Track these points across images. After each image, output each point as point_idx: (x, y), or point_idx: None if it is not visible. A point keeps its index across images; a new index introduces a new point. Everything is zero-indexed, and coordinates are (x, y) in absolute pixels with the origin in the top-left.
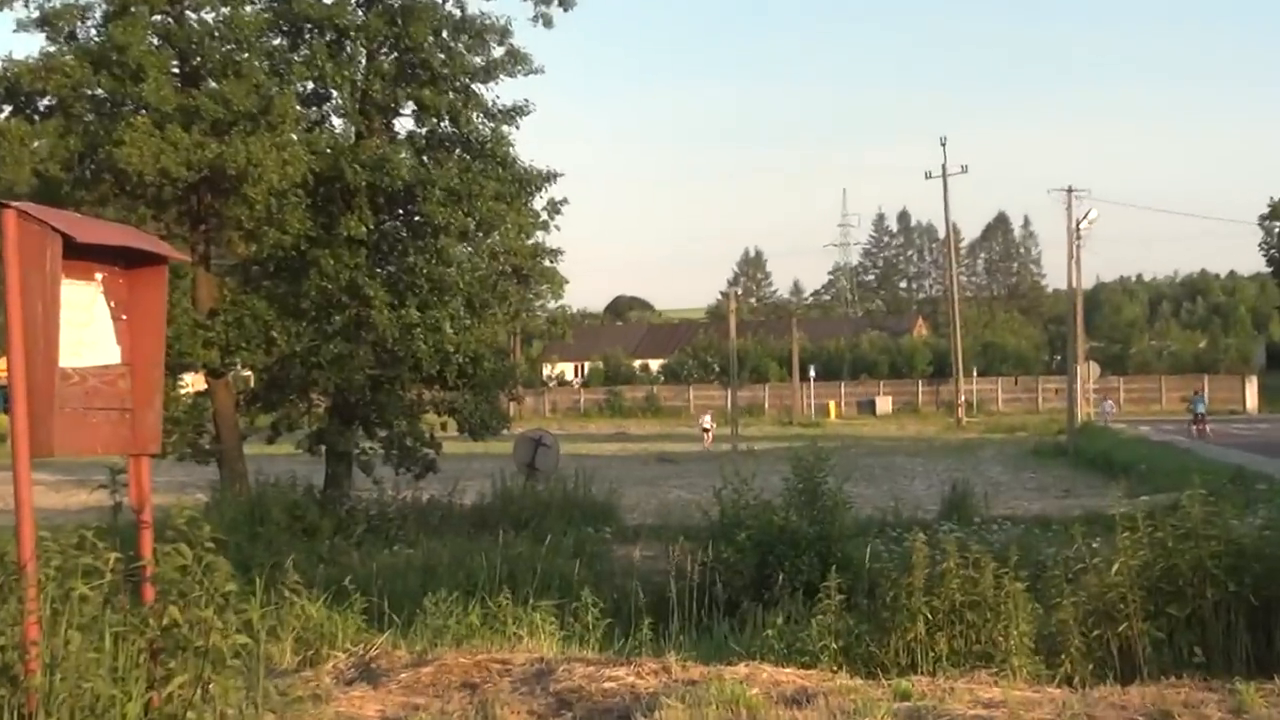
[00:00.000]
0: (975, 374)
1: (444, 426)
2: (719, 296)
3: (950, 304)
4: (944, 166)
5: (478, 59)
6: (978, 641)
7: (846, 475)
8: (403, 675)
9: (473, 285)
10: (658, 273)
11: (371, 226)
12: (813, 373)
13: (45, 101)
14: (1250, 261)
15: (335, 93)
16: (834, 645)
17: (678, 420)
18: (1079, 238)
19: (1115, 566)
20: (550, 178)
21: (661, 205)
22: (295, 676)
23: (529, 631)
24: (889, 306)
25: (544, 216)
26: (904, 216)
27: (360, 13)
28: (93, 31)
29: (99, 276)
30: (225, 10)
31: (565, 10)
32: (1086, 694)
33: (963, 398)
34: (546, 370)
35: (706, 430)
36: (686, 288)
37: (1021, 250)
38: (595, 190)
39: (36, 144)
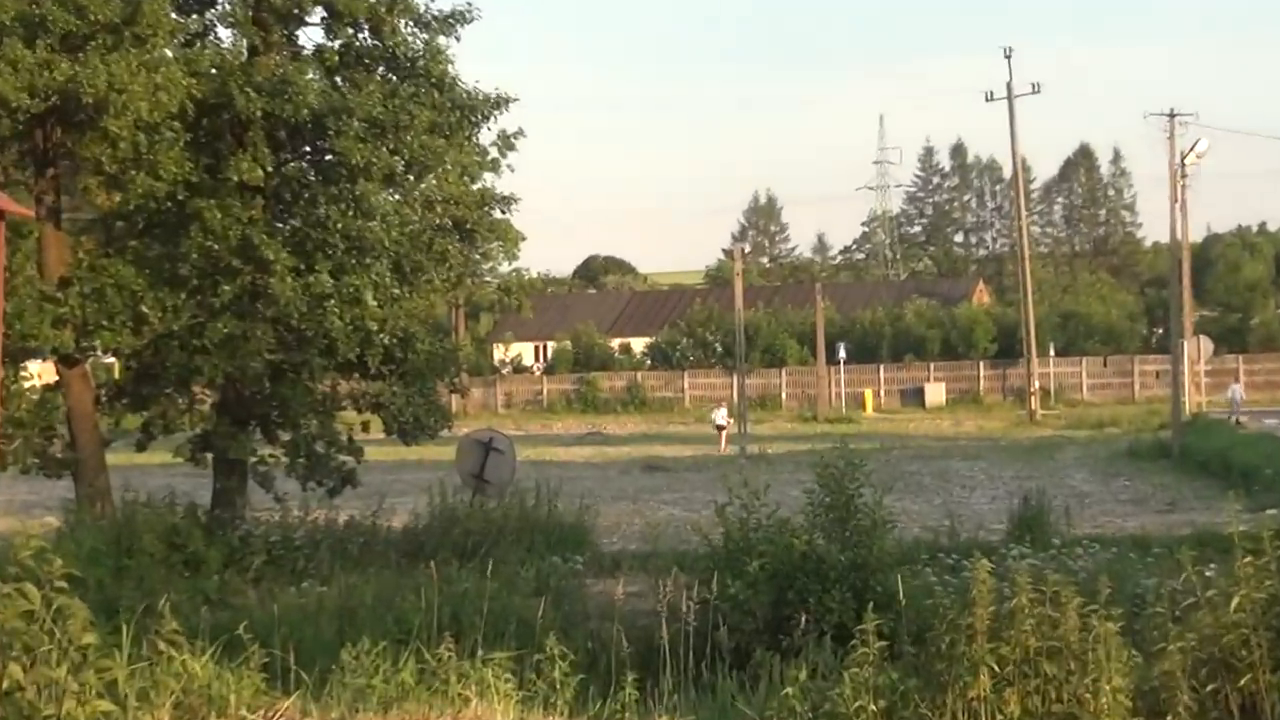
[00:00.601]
0: (1052, 353)
1: (366, 427)
2: (721, 256)
3: (1019, 263)
4: (1009, 86)
5: None
6: (1059, 699)
7: (887, 486)
8: None
9: (401, 243)
10: (642, 227)
11: (270, 169)
12: (843, 353)
13: None
14: None
15: None
16: (873, 706)
17: (669, 416)
18: (1184, 177)
19: (1235, 601)
20: (501, 104)
21: (647, 141)
22: None
23: (478, 692)
24: (940, 267)
25: (493, 154)
26: (959, 151)
27: None
28: None
29: None
30: None
31: None
32: None
33: (1036, 384)
34: (498, 353)
35: (721, 428)
36: (679, 246)
37: (1110, 193)
38: (560, 122)
39: None
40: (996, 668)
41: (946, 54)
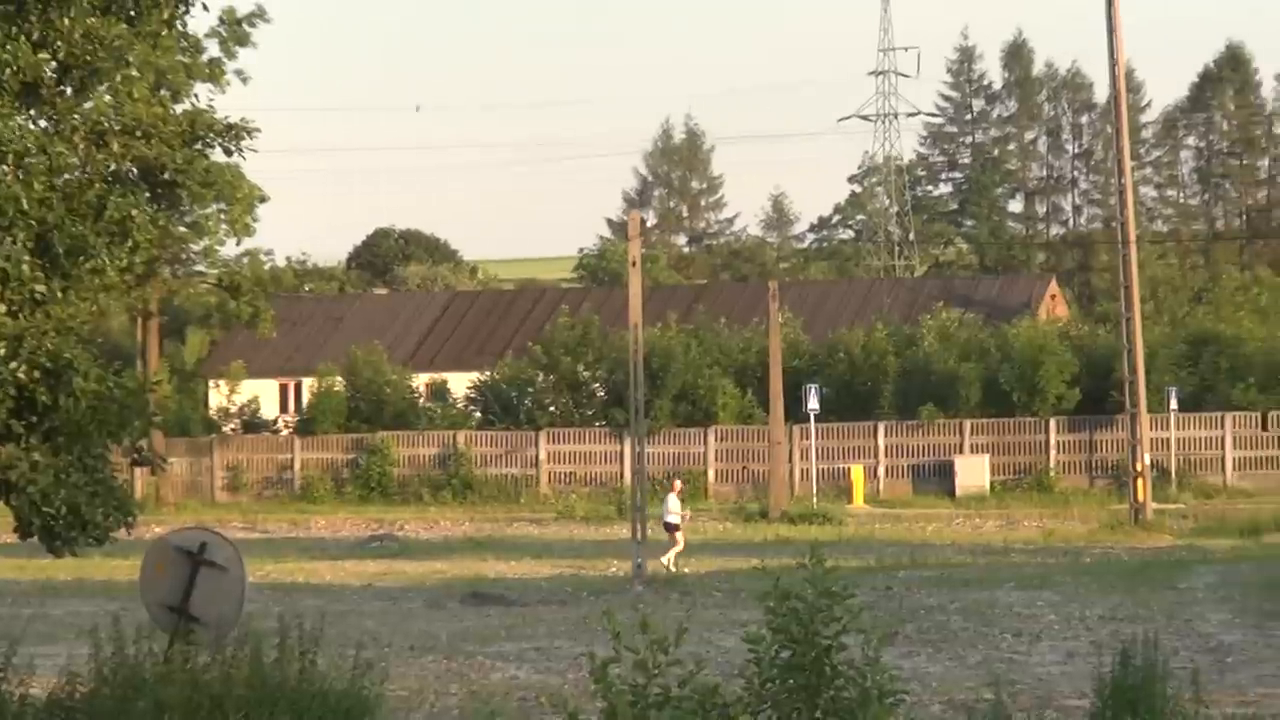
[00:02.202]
0: (1174, 405)
1: None
2: (604, 234)
3: (1120, 251)
4: None
5: None
6: None
7: (889, 632)
8: None
9: (50, 205)
10: (468, 183)
11: None
12: (814, 402)
13: None
14: None
15: None
16: None
17: (510, 508)
18: None
19: None
20: None
21: (476, 39)
22: None
23: None
24: (983, 256)
25: (213, 52)
26: (1017, 54)
27: None
28: None
29: None
30: None
31: None
32: None
33: (1147, 458)
34: (218, 397)
35: (673, 528)
36: (532, 215)
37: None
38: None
39: None
40: None
41: None
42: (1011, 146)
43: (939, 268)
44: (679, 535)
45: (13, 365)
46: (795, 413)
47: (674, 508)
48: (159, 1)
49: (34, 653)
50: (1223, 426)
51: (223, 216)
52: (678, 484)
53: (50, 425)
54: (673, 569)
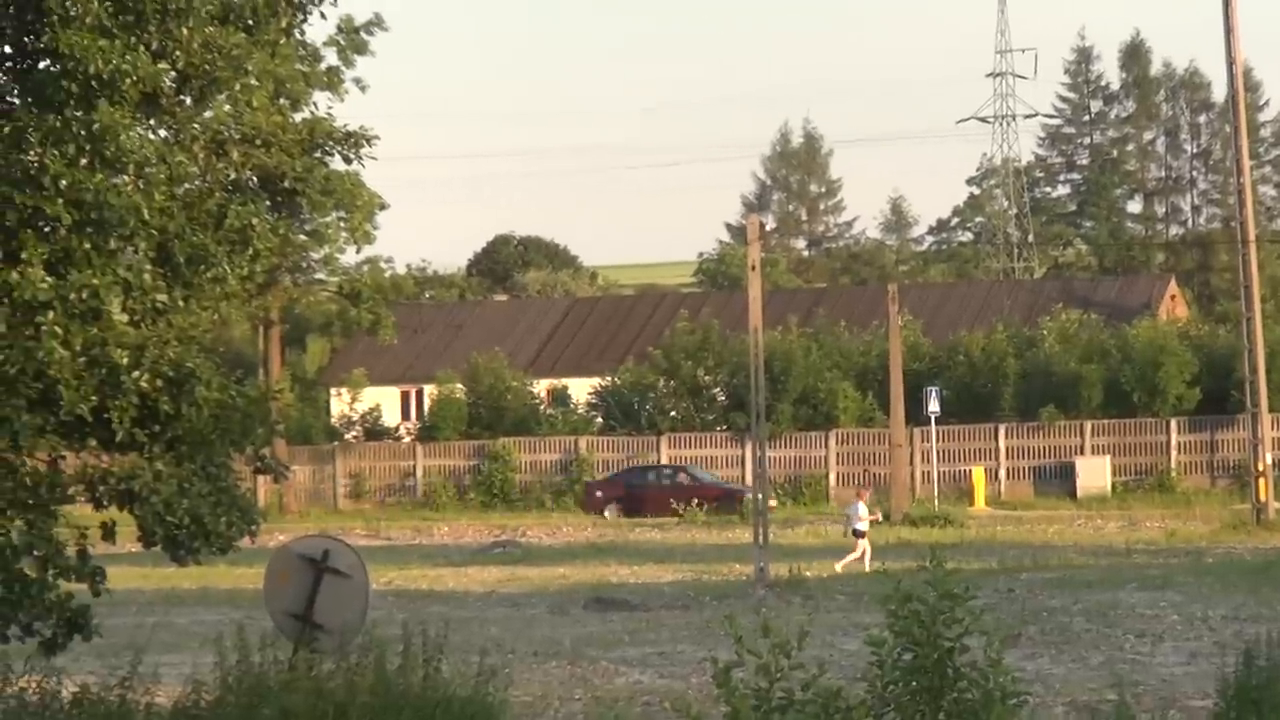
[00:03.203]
0: None
1: (109, 533)
2: (723, 238)
3: (1240, 250)
4: None
5: None
6: None
7: (1012, 633)
8: None
9: (171, 215)
10: (588, 191)
11: None
12: (935, 405)
13: None
14: None
15: None
16: None
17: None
18: None
19: None
20: None
21: (595, 49)
22: None
23: None
24: (1102, 257)
25: (331, 60)
26: (1135, 55)
27: None
28: None
29: None
30: None
31: None
32: None
33: (1269, 458)
34: (340, 405)
35: (860, 534)
36: (650, 221)
37: None
38: (449, 13)
39: None
40: None
41: None
42: (1130, 147)
43: (1058, 269)
44: (862, 543)
45: (135, 374)
46: (916, 415)
47: (861, 514)
48: (277, 10)
49: (159, 661)
50: None
51: (342, 224)
52: (865, 492)
53: (173, 434)
54: (840, 569)
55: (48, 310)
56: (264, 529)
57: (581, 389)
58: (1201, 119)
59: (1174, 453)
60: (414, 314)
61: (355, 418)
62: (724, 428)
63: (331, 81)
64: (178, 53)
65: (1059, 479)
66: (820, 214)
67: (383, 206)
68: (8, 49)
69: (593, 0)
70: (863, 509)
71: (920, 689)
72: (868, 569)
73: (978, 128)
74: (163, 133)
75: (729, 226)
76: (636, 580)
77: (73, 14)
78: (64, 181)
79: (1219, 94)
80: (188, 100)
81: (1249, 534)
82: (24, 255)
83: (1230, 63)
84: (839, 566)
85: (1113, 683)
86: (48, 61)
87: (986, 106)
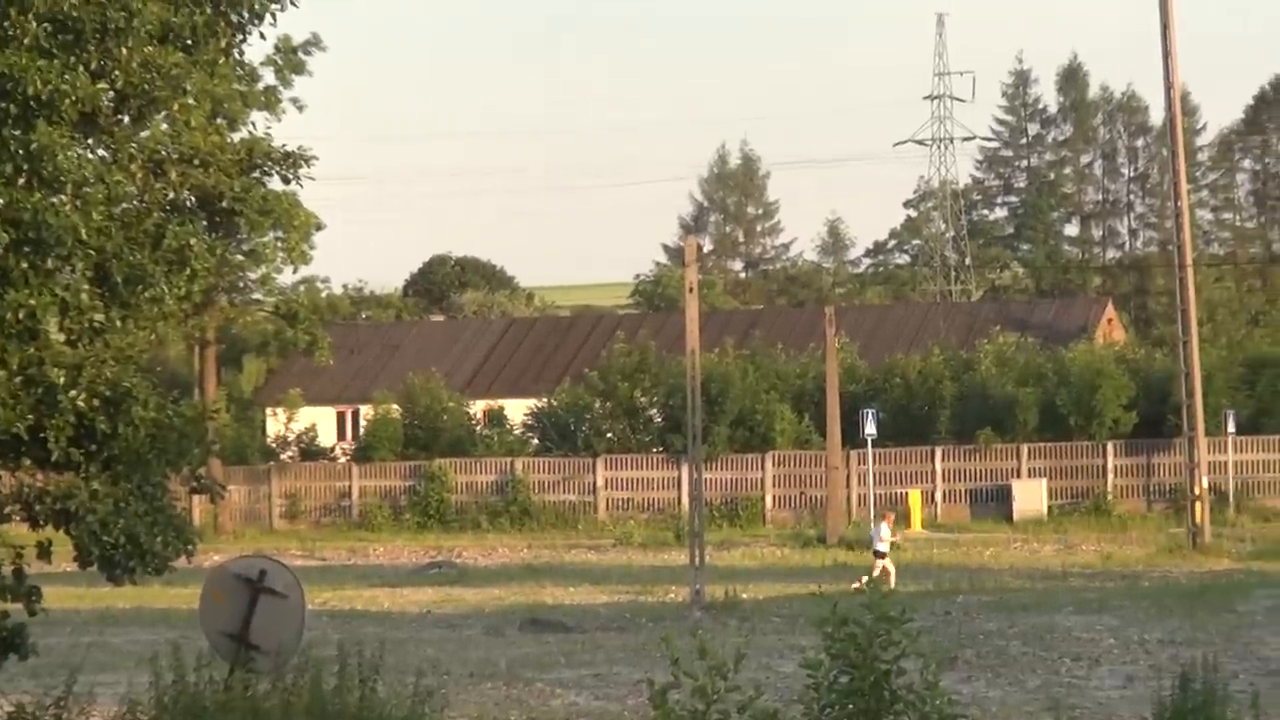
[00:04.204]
0: (1232, 428)
1: (45, 552)
2: (660, 260)
3: (1177, 274)
4: None
5: None
6: None
7: (948, 656)
8: None
9: (109, 234)
10: (524, 211)
11: None
12: (872, 427)
13: None
14: None
15: None
16: None
17: (568, 534)
18: None
19: None
20: None
21: (533, 67)
22: None
23: None
24: (1039, 280)
25: (269, 80)
26: (1073, 78)
27: None
28: None
29: None
30: None
31: None
32: None
33: (1205, 481)
34: (275, 424)
35: (880, 554)
36: (587, 242)
37: None
38: (386, 31)
39: None
40: None
41: None
42: (1067, 170)
43: (995, 292)
44: (882, 563)
45: (72, 394)
46: (852, 437)
47: (885, 535)
48: (216, 30)
49: (95, 681)
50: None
51: (280, 244)
52: (890, 515)
53: (109, 454)
54: (892, 584)
55: None
56: (200, 549)
57: (518, 410)
58: (1139, 142)
59: (1110, 476)
60: (350, 334)
61: (291, 438)
62: (660, 449)
63: (269, 101)
64: (116, 72)
65: (995, 502)
66: (757, 236)
67: (319, 227)
68: None
69: (531, 21)
70: (885, 530)
71: (857, 712)
72: (891, 584)
73: (915, 150)
74: (101, 152)
75: (666, 248)
76: (572, 602)
77: (11, 34)
78: (1, 201)
79: (1156, 117)
80: (126, 120)
81: (1185, 558)
82: None
83: (1168, 87)
84: (854, 587)
85: (1049, 706)
86: None
87: (924, 129)
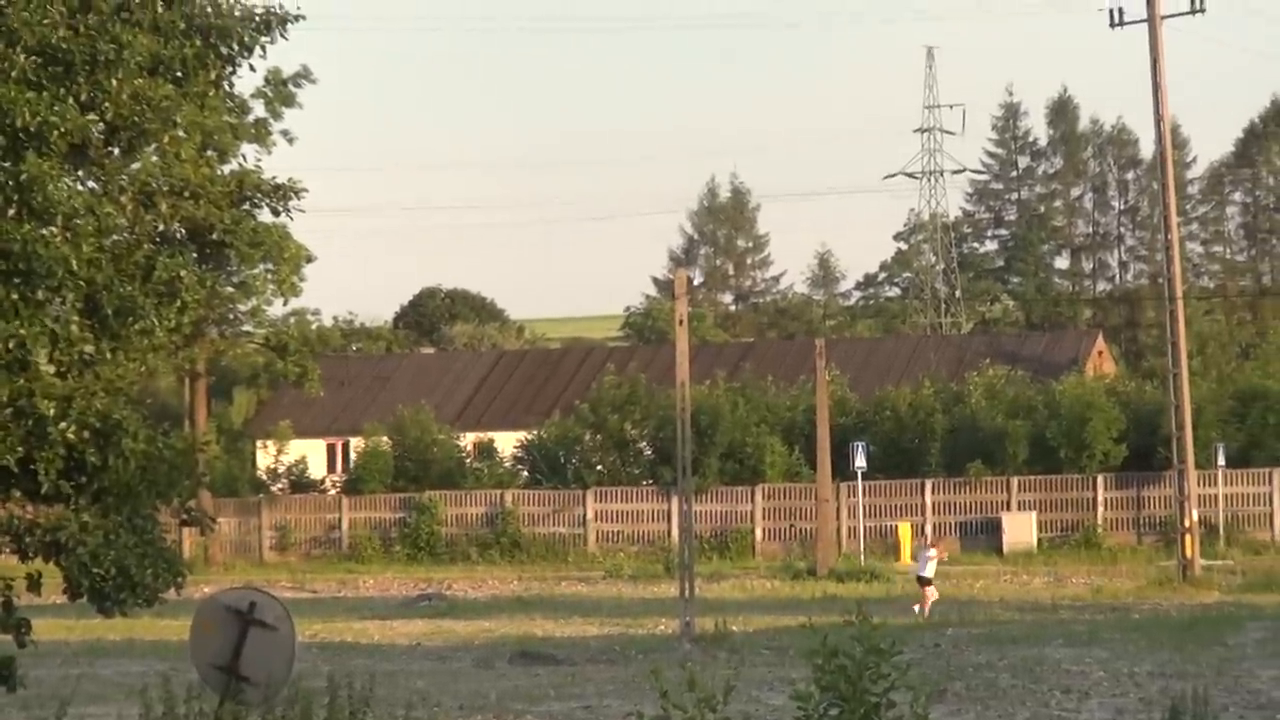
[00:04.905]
0: (1222, 461)
1: (35, 584)
2: (649, 292)
3: (1166, 306)
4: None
5: None
6: None
7: (937, 689)
8: None
9: (99, 266)
10: (514, 244)
11: None
12: (862, 460)
13: None
14: None
15: None
16: None
17: (558, 567)
18: None
19: None
20: (273, 26)
21: (523, 99)
22: None
23: None
24: (1029, 313)
25: (259, 112)
26: (1063, 111)
27: None
28: None
29: None
30: None
31: None
32: None
33: (1195, 514)
34: (265, 456)
35: (926, 581)
36: (578, 275)
37: None
38: (377, 61)
39: None
40: None
41: None
42: (1057, 203)
43: (985, 325)
44: (930, 590)
45: (62, 426)
46: (842, 470)
47: (927, 564)
48: (206, 63)
49: (84, 713)
50: (1270, 483)
51: (270, 276)
52: (940, 543)
53: (99, 486)
54: (925, 616)
55: None
56: (190, 581)
57: (508, 442)
58: (1129, 175)
59: (1100, 509)
60: (340, 366)
61: (281, 470)
62: (650, 482)
63: (259, 134)
64: (106, 104)
65: (985, 534)
66: (747, 269)
67: (310, 259)
68: None
69: (518, 53)
70: (932, 560)
71: None
72: (925, 615)
73: (905, 183)
74: (91, 184)
75: (656, 281)
76: (562, 634)
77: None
78: None
79: (1146, 150)
80: (116, 152)
81: (1175, 590)
82: None
83: (1158, 120)
84: (918, 610)
85: None
86: None
87: (914, 162)
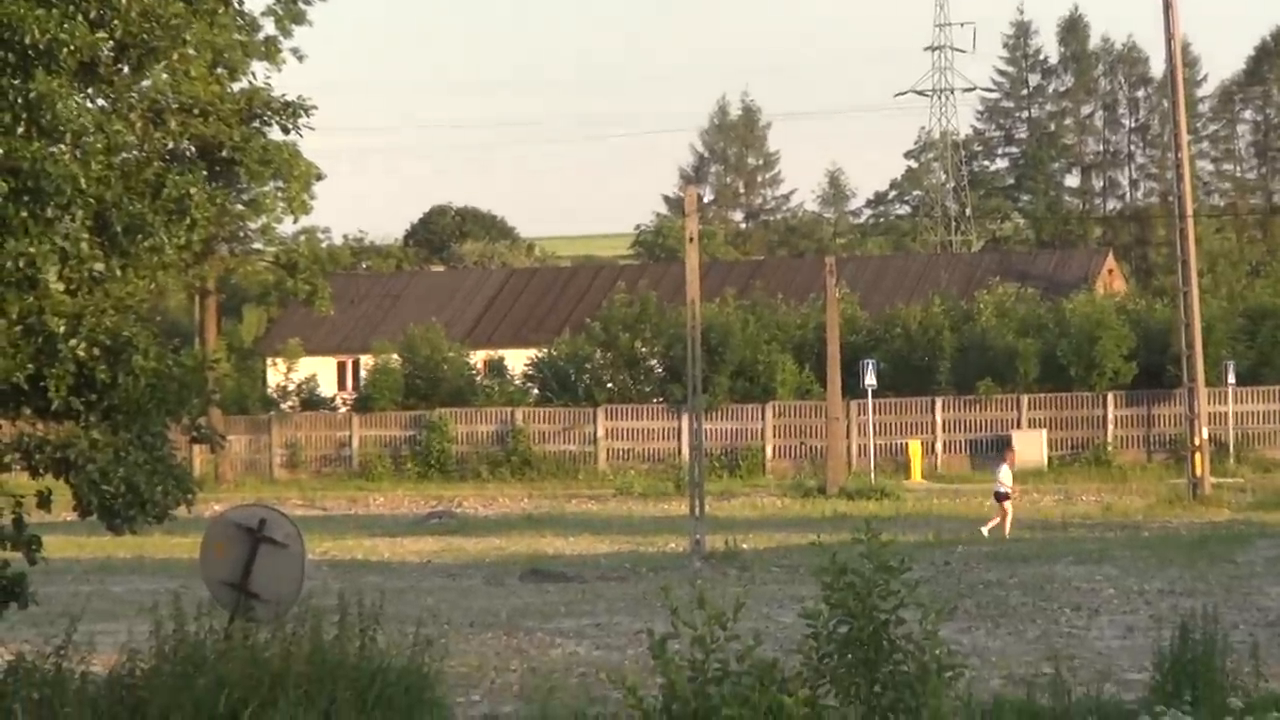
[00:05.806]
0: (1232, 379)
1: (45, 501)
2: (660, 210)
3: (1177, 224)
4: None
5: None
6: None
7: (947, 606)
8: None
9: (108, 184)
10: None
11: None
12: (872, 378)
13: None
14: None
15: None
16: None
17: (569, 484)
18: None
19: None
20: None
21: (532, 16)
22: None
23: None
24: (1039, 231)
25: (269, 30)
26: (1073, 29)
27: None
28: None
29: None
30: None
31: None
32: None
33: (1205, 432)
34: (276, 375)
35: (1003, 496)
36: (587, 193)
37: None
38: None
39: None
40: None
41: None
42: (1068, 121)
43: (995, 243)
44: (1008, 505)
45: (72, 343)
46: (853, 388)
47: (1004, 478)
48: None
49: (95, 630)
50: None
51: (280, 194)
52: (1012, 454)
53: (109, 403)
54: (986, 533)
55: None
56: (200, 498)
57: (518, 360)
58: (1140, 93)
59: (1110, 427)
60: (350, 284)
61: (291, 388)
62: (661, 400)
63: (269, 51)
64: (116, 21)
65: (995, 452)
66: (758, 186)
67: (320, 177)
68: None
69: None
70: (1006, 472)
71: (856, 661)
72: (1006, 533)
73: (916, 101)
74: (100, 102)
75: (666, 199)
76: (573, 552)
77: None
78: (0, 150)
79: (1157, 69)
80: (125, 69)
81: (1185, 508)
82: None
83: (1169, 38)
84: (985, 530)
85: (1049, 656)
86: None
87: (925, 80)
